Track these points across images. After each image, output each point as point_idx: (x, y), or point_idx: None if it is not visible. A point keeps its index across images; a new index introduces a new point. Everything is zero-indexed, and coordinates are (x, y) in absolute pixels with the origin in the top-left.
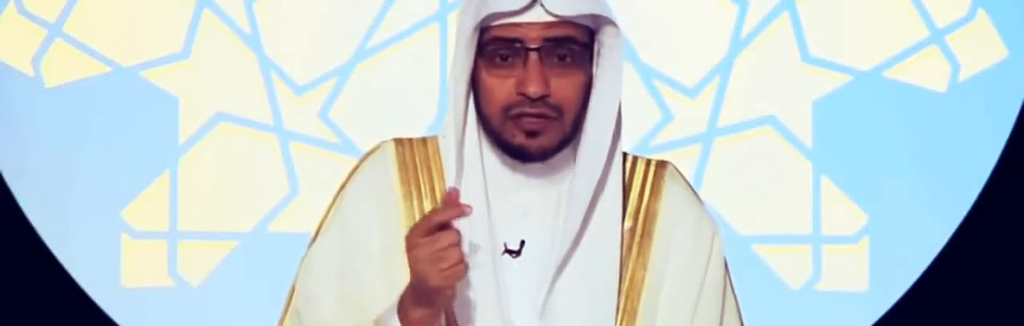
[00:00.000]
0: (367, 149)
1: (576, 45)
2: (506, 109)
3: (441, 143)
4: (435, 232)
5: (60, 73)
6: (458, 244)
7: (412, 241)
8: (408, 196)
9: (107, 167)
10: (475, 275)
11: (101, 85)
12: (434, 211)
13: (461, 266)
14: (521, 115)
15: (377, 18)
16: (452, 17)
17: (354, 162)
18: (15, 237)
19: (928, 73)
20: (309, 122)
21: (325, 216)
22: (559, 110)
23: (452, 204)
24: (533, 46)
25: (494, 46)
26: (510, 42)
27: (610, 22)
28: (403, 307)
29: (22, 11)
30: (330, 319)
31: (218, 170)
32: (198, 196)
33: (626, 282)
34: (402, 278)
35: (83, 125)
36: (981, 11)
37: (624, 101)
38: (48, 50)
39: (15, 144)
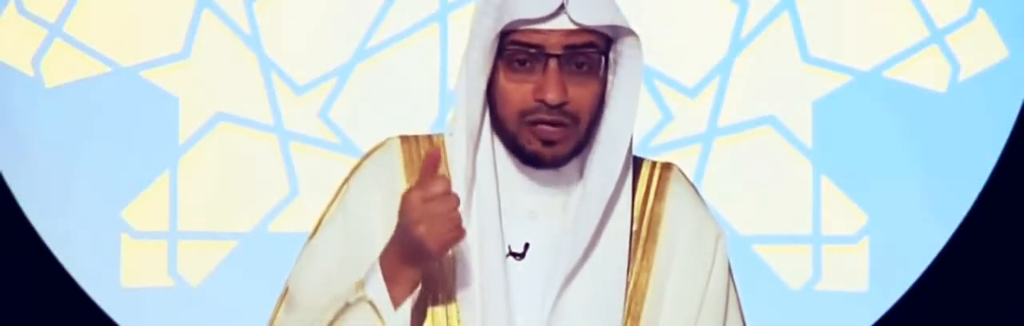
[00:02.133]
0: (367, 149)
1: (595, 53)
2: (522, 114)
3: (447, 141)
4: (434, 194)
5: (60, 73)
6: (457, 208)
7: (409, 201)
8: None
9: (107, 167)
10: (483, 278)
11: (101, 85)
12: (433, 178)
13: (460, 231)
14: (538, 122)
15: (377, 18)
16: (452, 17)
17: (354, 162)
18: (15, 237)
19: (928, 73)
20: (309, 122)
21: (327, 209)
22: (575, 118)
23: (435, 158)
24: (554, 53)
25: (513, 50)
26: (529, 47)
27: (631, 32)
28: (388, 265)
29: (22, 11)
30: (317, 307)
31: (218, 170)
32: (198, 196)
33: (630, 285)
34: None
35: (83, 125)
36: (981, 11)
37: None
38: (48, 50)
39: (15, 144)
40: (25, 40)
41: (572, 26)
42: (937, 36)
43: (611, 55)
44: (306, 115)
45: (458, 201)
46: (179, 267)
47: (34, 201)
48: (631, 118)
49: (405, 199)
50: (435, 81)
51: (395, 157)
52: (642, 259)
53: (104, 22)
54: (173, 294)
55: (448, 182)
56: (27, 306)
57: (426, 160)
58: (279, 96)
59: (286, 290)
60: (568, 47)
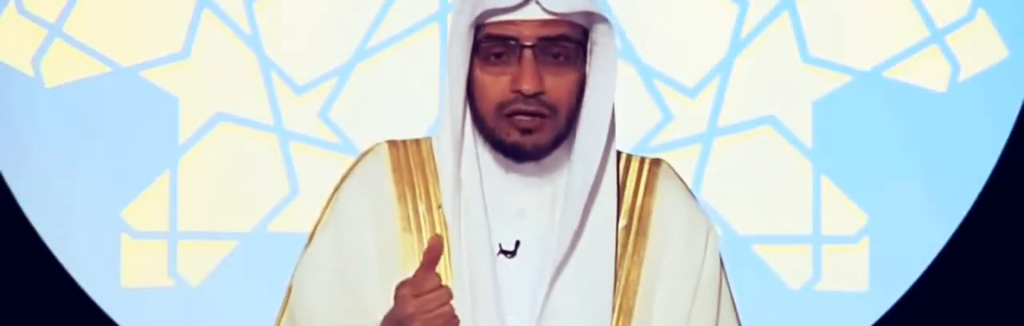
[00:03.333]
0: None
1: (570, 43)
2: (500, 106)
3: (435, 144)
4: (425, 289)
5: (60, 73)
6: (449, 302)
7: (402, 296)
8: (403, 197)
9: (107, 167)
10: (473, 277)
11: (101, 85)
12: (425, 274)
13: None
14: (515, 113)
15: (377, 18)
16: (452, 17)
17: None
18: (15, 237)
19: (928, 73)
20: (309, 122)
21: (320, 218)
22: (553, 108)
23: (436, 251)
24: (528, 43)
25: (488, 44)
26: (505, 40)
27: (603, 20)
28: None
29: (22, 11)
30: (323, 320)
31: (218, 170)
32: (198, 196)
33: (622, 280)
34: (398, 279)
35: (83, 125)
36: (981, 11)
37: (623, 101)
38: (48, 50)
39: (15, 144)
40: (25, 40)
41: (544, 15)
42: (937, 36)
43: (587, 45)
44: (306, 115)
45: (450, 296)
46: (179, 267)
47: (34, 201)
48: (608, 106)
49: (398, 294)
50: (435, 81)
51: (383, 163)
52: (633, 254)
53: (104, 22)
54: (173, 294)
55: (439, 278)
56: (27, 306)
57: (427, 253)
58: (279, 96)
59: (287, 297)
60: (542, 37)
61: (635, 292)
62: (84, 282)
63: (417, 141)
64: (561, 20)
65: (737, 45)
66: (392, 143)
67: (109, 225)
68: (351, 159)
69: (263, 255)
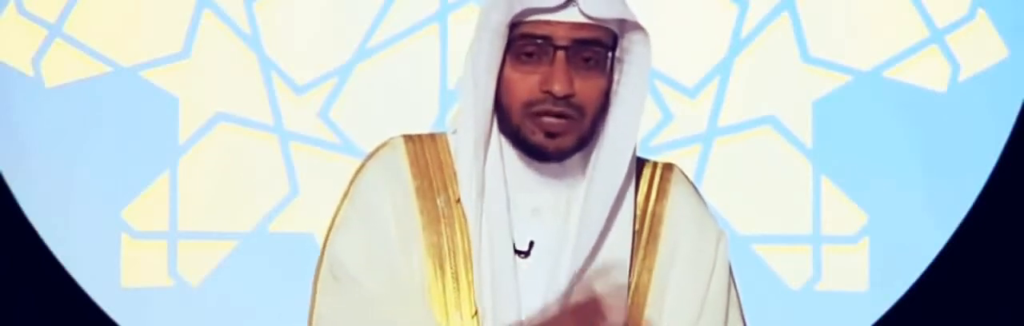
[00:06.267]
0: (367, 149)
1: (602, 48)
2: (527, 105)
3: (451, 139)
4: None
5: (60, 73)
6: None
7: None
8: (421, 191)
9: (107, 167)
10: (495, 275)
11: (101, 85)
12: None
13: None
14: (542, 113)
15: (377, 18)
16: (452, 17)
17: (354, 162)
18: (15, 237)
19: (928, 73)
20: (309, 122)
21: (338, 210)
22: (581, 111)
23: None
24: (561, 44)
25: (521, 42)
26: (537, 39)
27: (638, 27)
28: None
29: (22, 11)
30: (381, 294)
31: (218, 170)
32: (198, 196)
33: (632, 285)
34: (418, 273)
35: (83, 125)
36: (981, 11)
37: None
38: (48, 50)
39: (15, 144)
40: (25, 40)
41: (582, 19)
42: (937, 36)
43: (617, 53)
44: (306, 115)
45: None
46: (179, 267)
47: (34, 201)
48: (638, 115)
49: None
50: (435, 81)
51: (400, 156)
52: (644, 259)
53: (104, 22)
54: (173, 294)
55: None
56: (27, 306)
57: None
58: (279, 96)
59: (314, 298)
60: (576, 40)
61: (645, 296)
62: (84, 282)
63: (433, 136)
64: (596, 25)
65: (737, 45)
66: (408, 137)
67: (109, 225)
68: (351, 159)
69: (263, 255)
